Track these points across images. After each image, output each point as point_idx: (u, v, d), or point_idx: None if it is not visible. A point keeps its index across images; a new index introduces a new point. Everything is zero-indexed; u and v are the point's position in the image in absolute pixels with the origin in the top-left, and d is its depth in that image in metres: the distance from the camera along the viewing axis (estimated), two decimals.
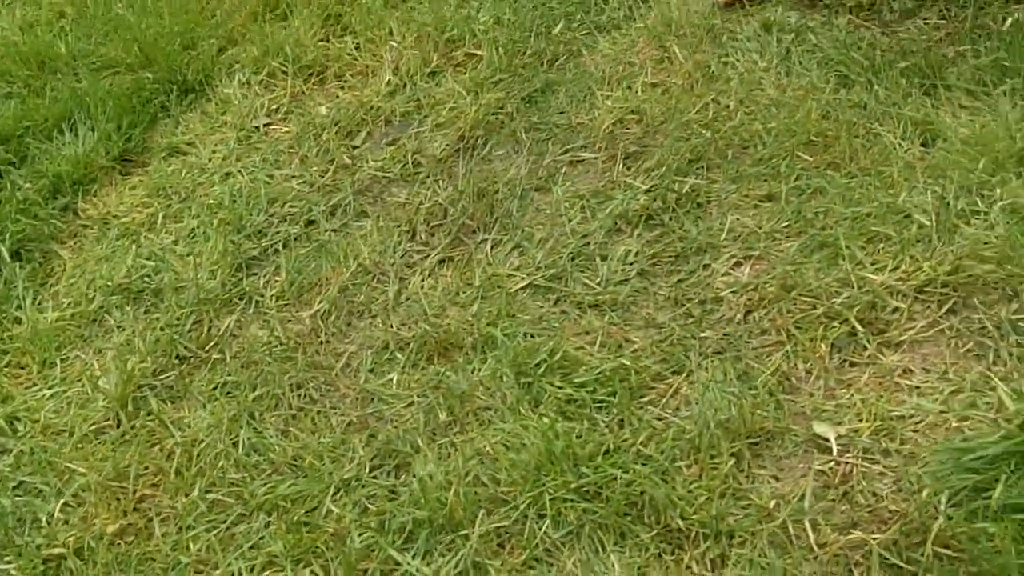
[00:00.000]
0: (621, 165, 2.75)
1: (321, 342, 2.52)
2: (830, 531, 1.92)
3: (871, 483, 1.98)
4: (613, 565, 1.96)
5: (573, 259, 2.55)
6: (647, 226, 2.58)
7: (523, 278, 2.54)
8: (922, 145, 2.55)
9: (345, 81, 3.30)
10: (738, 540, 1.94)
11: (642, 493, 2.03)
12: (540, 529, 2.03)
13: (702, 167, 2.68)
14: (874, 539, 1.88)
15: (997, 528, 1.81)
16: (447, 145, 2.95)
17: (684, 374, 2.24)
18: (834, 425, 2.08)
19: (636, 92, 2.93)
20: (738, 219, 2.52)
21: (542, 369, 2.30)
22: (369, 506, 2.14)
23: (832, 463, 2.02)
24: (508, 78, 3.09)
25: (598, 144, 2.83)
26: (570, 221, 2.64)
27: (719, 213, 2.56)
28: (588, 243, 2.58)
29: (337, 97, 3.25)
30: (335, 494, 2.18)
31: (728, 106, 2.80)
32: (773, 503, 1.98)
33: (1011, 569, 1.75)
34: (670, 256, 2.50)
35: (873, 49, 2.84)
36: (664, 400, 2.21)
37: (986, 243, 2.26)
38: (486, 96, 3.05)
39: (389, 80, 3.21)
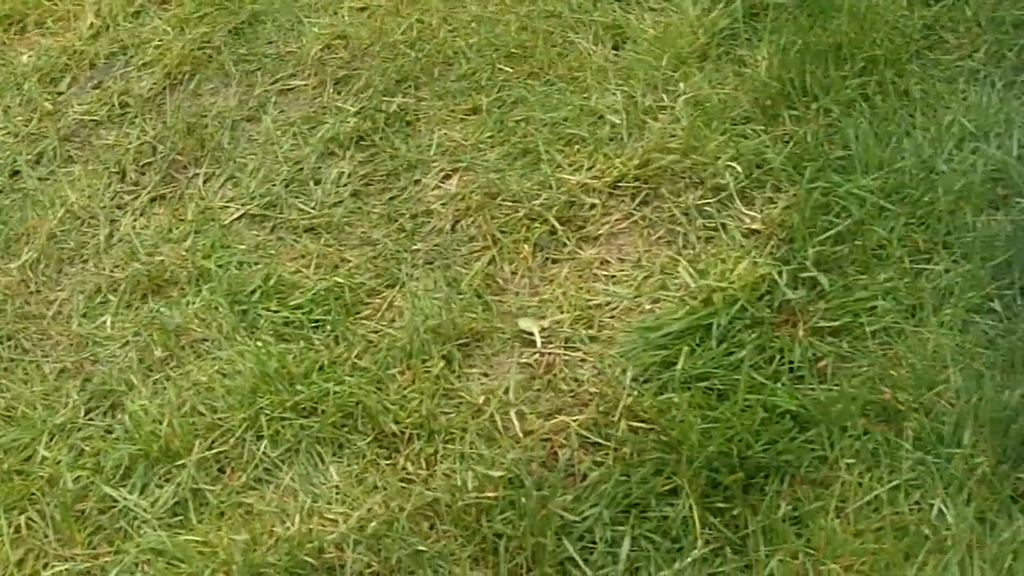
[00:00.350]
0: (331, 90, 2.76)
1: (31, 292, 2.46)
2: (535, 418, 2.00)
3: (573, 370, 2.07)
4: (332, 475, 1.99)
5: (287, 185, 2.56)
6: (358, 147, 2.61)
7: (237, 208, 2.53)
8: (613, 48, 2.65)
9: (47, 27, 3.18)
10: (449, 437, 2.00)
11: (357, 403, 2.06)
12: (258, 450, 2.04)
13: (409, 86, 2.71)
14: (575, 421, 1.98)
15: (681, 398, 1.93)
16: (154, 83, 2.89)
17: (397, 286, 2.28)
18: (538, 319, 2.16)
19: (343, 17, 2.94)
20: (445, 134, 2.57)
21: (257, 295, 2.31)
22: (84, 448, 2.11)
23: (537, 355, 2.10)
24: (213, 12, 3.04)
25: (307, 71, 2.83)
26: (282, 148, 2.64)
27: (427, 129, 2.60)
28: (301, 168, 2.58)
29: (39, 44, 3.13)
30: (49, 440, 2.14)
31: (432, 24, 2.83)
32: (483, 399, 2.05)
33: (693, 433, 1.86)
34: (382, 175, 2.54)
35: None
36: (379, 314, 2.25)
37: (672, 136, 2.38)
38: (192, 31, 3.00)
39: (92, 23, 3.12)
